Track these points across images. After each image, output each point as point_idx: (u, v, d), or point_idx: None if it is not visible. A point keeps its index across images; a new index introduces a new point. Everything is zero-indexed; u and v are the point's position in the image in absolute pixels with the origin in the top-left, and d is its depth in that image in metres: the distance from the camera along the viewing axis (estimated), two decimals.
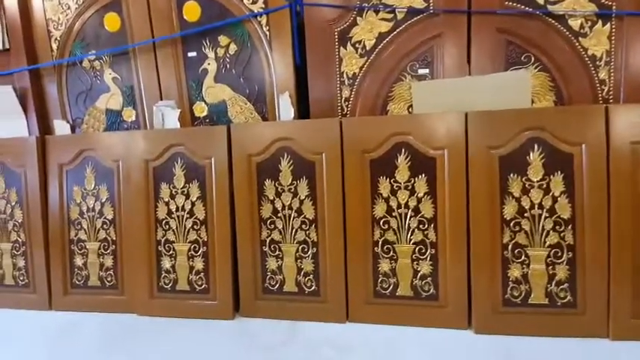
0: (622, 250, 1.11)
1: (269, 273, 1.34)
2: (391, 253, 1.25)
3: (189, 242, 1.38)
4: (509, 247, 1.17)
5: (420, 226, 1.22)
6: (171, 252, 1.39)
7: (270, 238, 1.33)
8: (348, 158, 1.25)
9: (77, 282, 1.49)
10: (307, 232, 1.30)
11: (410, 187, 1.22)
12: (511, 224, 1.16)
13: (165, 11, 1.44)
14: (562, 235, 1.14)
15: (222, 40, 1.42)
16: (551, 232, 1.14)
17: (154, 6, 1.46)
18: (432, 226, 1.21)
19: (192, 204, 1.37)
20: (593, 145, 1.12)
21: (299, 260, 1.31)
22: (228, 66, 1.43)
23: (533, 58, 1.21)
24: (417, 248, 1.23)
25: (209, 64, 1.44)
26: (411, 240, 1.23)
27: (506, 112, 1.16)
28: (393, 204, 1.23)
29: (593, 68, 1.21)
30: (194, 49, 1.44)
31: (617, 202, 1.11)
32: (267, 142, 1.30)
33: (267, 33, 1.37)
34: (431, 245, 1.22)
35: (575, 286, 1.14)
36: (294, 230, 1.31)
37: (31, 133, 1.61)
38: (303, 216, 1.29)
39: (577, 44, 1.21)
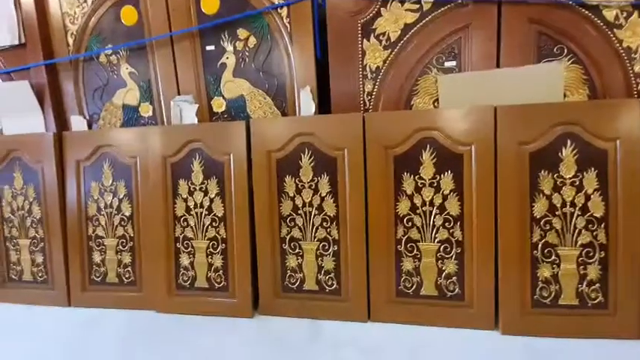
0: None
1: (289, 271, 1.32)
2: (415, 251, 1.22)
3: (207, 239, 1.36)
4: (539, 246, 1.13)
5: (446, 224, 1.19)
6: (189, 249, 1.38)
7: (290, 235, 1.30)
8: (370, 154, 1.22)
9: (95, 278, 1.49)
10: (328, 230, 1.27)
11: (435, 184, 1.18)
12: (541, 223, 1.12)
13: (183, 4, 1.40)
14: (594, 234, 1.10)
15: (241, 33, 1.38)
16: (583, 230, 1.10)
17: None
18: (458, 224, 1.17)
19: (211, 200, 1.35)
20: (628, 141, 1.07)
21: (319, 258, 1.29)
22: (247, 60, 1.40)
23: (566, 50, 1.16)
24: (442, 247, 1.20)
25: (227, 57, 1.41)
26: (435, 238, 1.20)
27: (537, 106, 1.11)
28: (418, 201, 1.20)
29: (628, 61, 1.15)
30: (212, 42, 1.41)
31: None
32: (287, 138, 1.27)
33: (288, 25, 1.33)
34: (457, 244, 1.19)
35: (606, 286, 1.10)
36: (314, 228, 1.28)
37: (48, 129, 1.60)
38: (324, 213, 1.27)
39: (612, 36, 1.15)
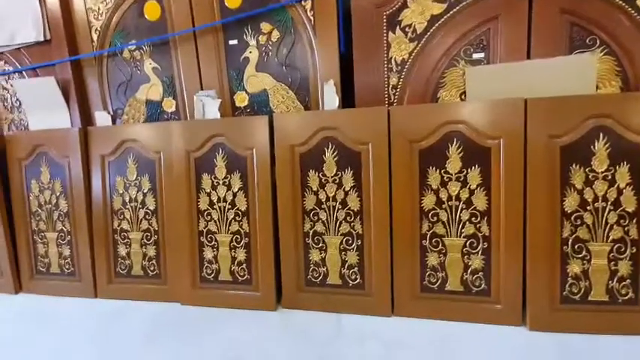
0: None
1: (312, 265, 1.32)
2: (440, 246, 1.21)
3: (231, 233, 1.37)
4: (570, 241, 1.11)
5: (472, 219, 1.17)
6: (213, 243, 1.39)
7: (313, 229, 1.30)
8: (395, 148, 1.21)
9: (121, 271, 1.52)
10: (352, 224, 1.27)
11: (462, 179, 1.17)
12: (572, 218, 1.10)
13: None
14: (626, 229, 1.08)
15: (265, 26, 1.38)
16: (615, 226, 1.08)
17: None
18: (485, 219, 1.16)
19: (234, 195, 1.35)
20: None
21: (343, 252, 1.29)
22: (270, 54, 1.39)
23: (598, 41, 1.12)
24: (468, 242, 1.19)
25: (250, 52, 1.41)
26: (462, 233, 1.18)
27: (569, 98, 1.09)
28: (443, 196, 1.19)
29: None
30: (235, 36, 1.41)
31: None
32: (310, 132, 1.27)
33: (312, 18, 1.32)
34: (483, 239, 1.17)
35: (637, 282, 1.08)
36: (338, 222, 1.28)
37: (74, 124, 1.62)
38: (347, 208, 1.26)
39: None
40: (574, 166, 1.09)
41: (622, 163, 1.07)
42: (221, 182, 1.36)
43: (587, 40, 1.12)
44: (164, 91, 1.54)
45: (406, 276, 1.24)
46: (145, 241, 1.48)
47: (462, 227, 1.18)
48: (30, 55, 1.63)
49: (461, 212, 1.18)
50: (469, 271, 1.19)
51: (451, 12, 1.19)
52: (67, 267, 1.57)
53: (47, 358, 1.18)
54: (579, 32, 1.12)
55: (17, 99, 1.70)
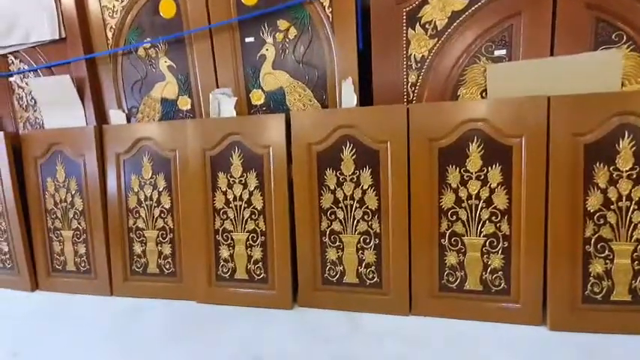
0: None
1: (329, 264, 1.32)
2: (459, 245, 1.20)
3: (247, 232, 1.37)
4: (592, 241, 1.10)
5: (493, 218, 1.16)
6: (229, 241, 1.39)
7: (330, 228, 1.30)
8: (414, 147, 1.20)
9: (136, 269, 1.52)
10: (369, 223, 1.26)
11: (482, 177, 1.15)
12: (595, 217, 1.09)
13: None
14: None
15: (282, 24, 1.37)
16: (639, 225, 1.07)
17: None
18: (506, 218, 1.15)
19: (250, 193, 1.35)
20: None
21: (360, 251, 1.28)
22: (287, 51, 1.38)
23: (625, 37, 1.10)
24: (488, 241, 1.18)
25: (267, 49, 1.40)
26: (481, 232, 1.17)
27: (593, 95, 1.07)
28: (463, 195, 1.17)
29: None
30: (252, 34, 1.40)
31: None
32: (328, 130, 1.26)
33: (330, 15, 1.30)
34: (503, 238, 1.16)
35: None
36: (355, 221, 1.27)
37: (89, 122, 1.63)
38: (365, 206, 1.25)
39: None
40: (598, 164, 1.08)
41: None
42: (237, 181, 1.36)
43: (613, 36, 1.10)
44: (179, 90, 1.53)
45: (424, 275, 1.24)
46: (161, 239, 1.48)
47: (482, 226, 1.17)
48: (45, 53, 1.64)
49: (481, 211, 1.17)
50: (488, 270, 1.18)
51: (473, 8, 1.17)
52: (82, 265, 1.58)
53: (64, 355, 1.19)
54: (605, 28, 1.10)
55: (32, 97, 1.70)
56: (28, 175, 1.61)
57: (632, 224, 1.07)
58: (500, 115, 1.13)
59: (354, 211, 1.27)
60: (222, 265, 1.41)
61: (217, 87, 1.46)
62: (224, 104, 1.41)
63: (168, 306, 1.44)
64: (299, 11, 1.34)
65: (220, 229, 1.40)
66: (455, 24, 1.19)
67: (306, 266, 1.34)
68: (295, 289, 1.37)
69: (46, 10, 1.56)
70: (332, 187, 1.28)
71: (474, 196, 1.17)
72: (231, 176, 1.37)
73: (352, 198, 1.26)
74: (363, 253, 1.28)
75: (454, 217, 1.19)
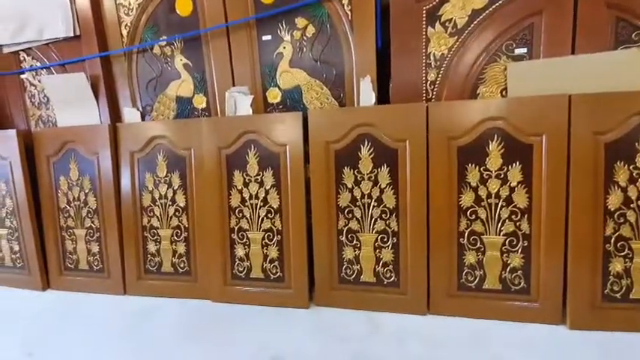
0: None
1: (346, 263, 1.31)
2: (478, 244, 1.20)
3: (263, 230, 1.36)
4: (612, 239, 1.10)
5: (512, 216, 1.16)
6: (244, 240, 1.38)
7: (347, 227, 1.29)
8: (433, 145, 1.20)
9: (150, 268, 1.51)
10: (387, 222, 1.26)
11: (502, 176, 1.15)
12: (615, 215, 1.09)
13: None
14: None
15: (300, 22, 1.36)
16: None
17: None
18: (526, 216, 1.15)
19: (266, 192, 1.35)
20: None
21: (377, 250, 1.28)
22: (304, 49, 1.38)
23: None
24: (507, 240, 1.17)
25: (284, 47, 1.39)
26: (501, 231, 1.17)
27: (614, 94, 1.07)
28: (482, 193, 1.17)
29: None
30: (269, 32, 1.39)
31: None
32: (346, 129, 1.26)
33: (349, 13, 1.30)
34: (523, 237, 1.16)
35: None
36: (373, 219, 1.27)
37: (102, 120, 1.62)
38: (383, 205, 1.25)
39: None
40: (619, 163, 1.08)
41: None
42: (253, 179, 1.36)
43: (634, 35, 1.10)
44: (195, 88, 1.53)
45: (443, 274, 1.23)
46: (175, 237, 1.47)
47: (502, 225, 1.17)
48: (59, 50, 1.63)
49: (500, 210, 1.17)
50: (508, 269, 1.18)
51: (493, 6, 1.17)
52: (95, 263, 1.57)
53: (77, 355, 1.18)
54: (625, 27, 1.10)
55: (45, 95, 1.69)
56: (41, 173, 1.60)
57: None
58: (520, 113, 1.13)
59: (372, 209, 1.26)
60: (238, 264, 1.40)
61: (233, 85, 1.45)
62: (240, 102, 1.40)
63: (183, 305, 1.43)
64: (317, 9, 1.34)
65: (236, 228, 1.39)
66: (475, 22, 1.19)
67: (322, 265, 1.33)
68: (311, 288, 1.37)
69: (61, 7, 1.55)
70: (349, 186, 1.28)
71: (493, 195, 1.17)
72: (247, 175, 1.36)
73: (370, 196, 1.26)
74: (380, 252, 1.28)
75: (473, 215, 1.19)
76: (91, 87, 1.57)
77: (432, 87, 1.26)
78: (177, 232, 1.47)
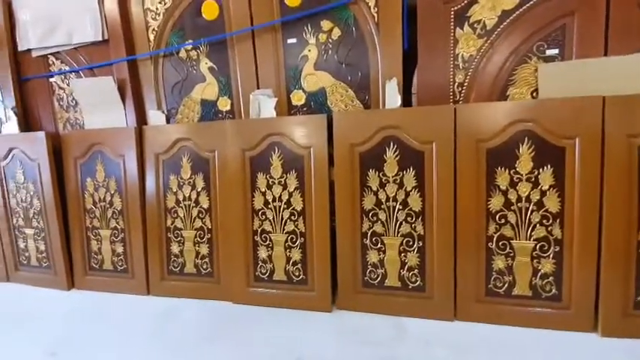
0: None
1: (370, 266, 1.30)
2: (507, 249, 1.17)
3: (286, 233, 1.36)
4: None
5: (544, 221, 1.14)
6: (267, 242, 1.38)
7: (372, 230, 1.28)
8: (461, 148, 1.18)
9: (174, 269, 1.52)
10: (413, 225, 1.24)
11: (533, 180, 1.13)
12: None
13: None
14: None
15: (325, 24, 1.37)
16: None
17: None
18: (558, 221, 1.12)
19: (290, 194, 1.35)
20: None
21: (403, 254, 1.26)
22: (329, 52, 1.38)
23: None
24: (538, 245, 1.15)
25: (309, 50, 1.40)
26: (532, 236, 1.15)
27: None
28: (512, 197, 1.15)
29: None
30: (294, 35, 1.40)
31: None
32: (371, 131, 1.25)
33: (376, 15, 1.30)
34: (555, 242, 1.13)
35: None
36: (398, 223, 1.25)
37: (128, 123, 1.65)
38: (408, 208, 1.24)
39: None
40: None
41: None
42: (277, 181, 1.36)
43: None
44: (219, 91, 1.54)
45: (470, 279, 1.21)
46: (198, 239, 1.49)
47: (532, 230, 1.15)
48: (87, 54, 1.67)
49: (531, 214, 1.14)
50: (539, 275, 1.15)
51: (524, 7, 1.16)
52: (119, 264, 1.59)
53: (101, 354, 1.19)
54: None
55: (73, 98, 1.73)
56: (68, 174, 1.63)
57: None
58: (552, 115, 1.10)
59: (397, 212, 1.25)
60: (261, 266, 1.40)
61: (258, 88, 1.47)
62: (264, 105, 1.41)
63: (205, 306, 1.44)
64: (343, 12, 1.34)
65: (259, 230, 1.39)
66: (505, 23, 1.17)
67: (346, 268, 1.32)
68: (334, 292, 1.36)
69: (89, 11, 1.59)
70: (374, 189, 1.27)
71: (524, 199, 1.14)
72: (271, 177, 1.36)
73: (395, 199, 1.25)
74: (405, 256, 1.26)
75: (503, 220, 1.17)
76: (118, 90, 1.60)
77: (460, 89, 1.25)
78: (201, 233, 1.48)
